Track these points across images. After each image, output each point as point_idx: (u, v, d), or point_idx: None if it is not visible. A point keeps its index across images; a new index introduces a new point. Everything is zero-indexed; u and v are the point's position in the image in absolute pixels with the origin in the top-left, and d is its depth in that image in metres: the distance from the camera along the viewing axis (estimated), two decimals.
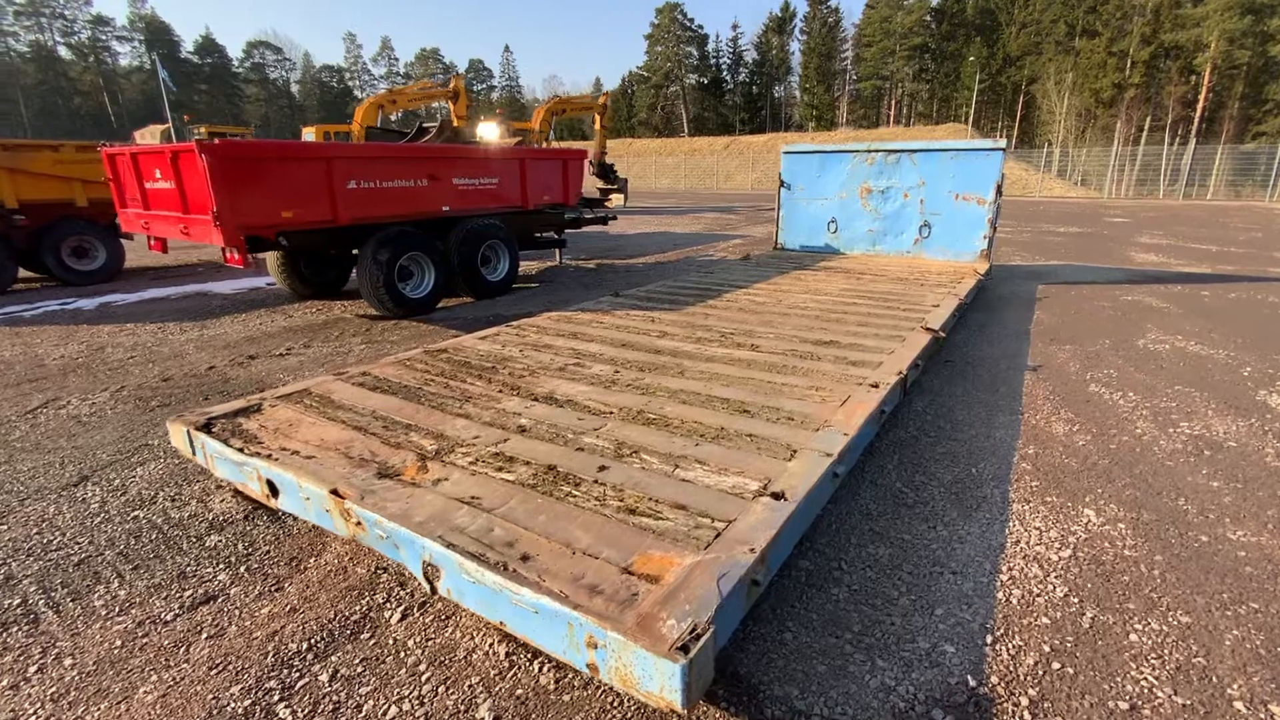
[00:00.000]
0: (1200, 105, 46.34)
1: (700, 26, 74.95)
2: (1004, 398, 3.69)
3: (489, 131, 21.21)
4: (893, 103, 66.87)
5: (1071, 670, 1.66)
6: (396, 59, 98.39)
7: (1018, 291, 7.03)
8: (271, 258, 6.57)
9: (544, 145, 21.61)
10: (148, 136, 21.99)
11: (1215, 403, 3.57)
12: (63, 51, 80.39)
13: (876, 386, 3.04)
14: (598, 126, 23.60)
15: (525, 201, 7.00)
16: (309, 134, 20.64)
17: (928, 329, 4.03)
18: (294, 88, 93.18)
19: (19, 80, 74.84)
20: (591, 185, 25.35)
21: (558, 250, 9.04)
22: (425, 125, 6.67)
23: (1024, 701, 1.57)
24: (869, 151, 7.71)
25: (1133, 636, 1.79)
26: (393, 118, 21.50)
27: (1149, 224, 16.18)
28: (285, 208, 4.87)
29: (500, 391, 3.10)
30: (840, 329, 4.20)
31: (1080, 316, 5.78)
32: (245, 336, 5.30)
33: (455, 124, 21.09)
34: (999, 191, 6.94)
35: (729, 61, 78.54)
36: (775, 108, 76.73)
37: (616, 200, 24.40)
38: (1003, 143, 6.90)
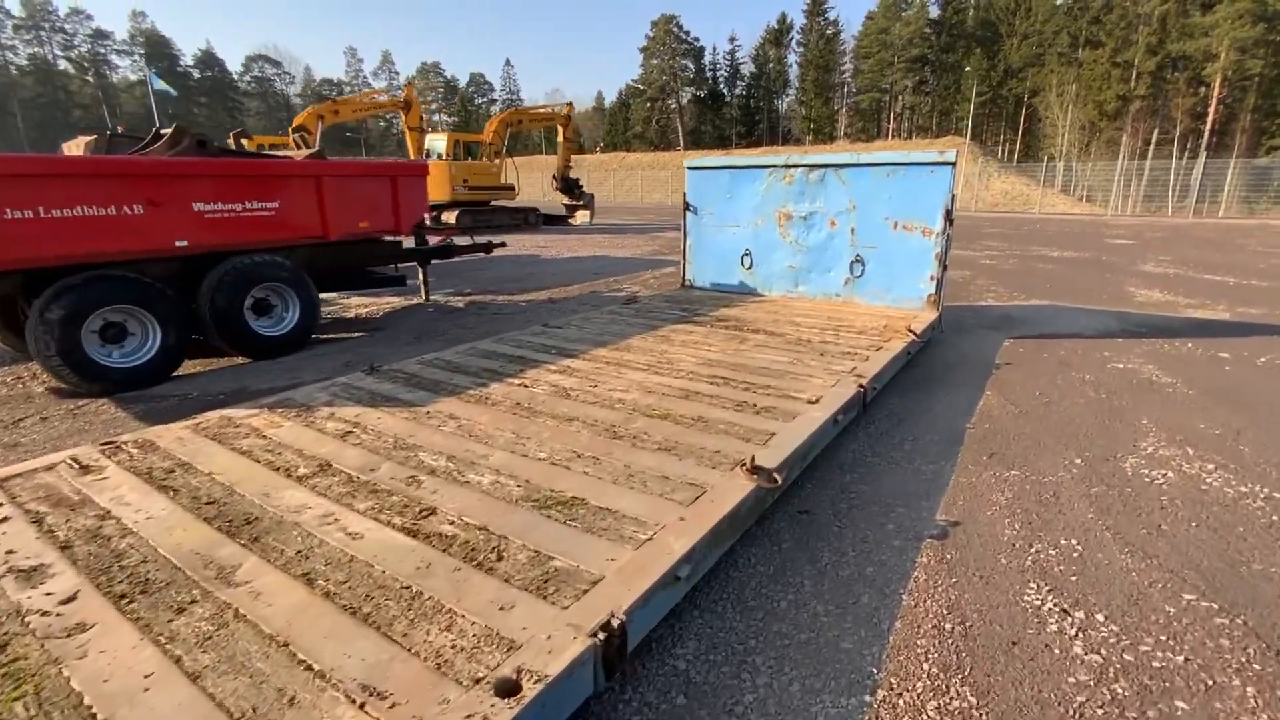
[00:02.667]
0: (1210, 118, 44.54)
1: (696, 39, 74.04)
2: (857, 629, 1.97)
3: (438, 144, 19.81)
4: (892, 115, 65.42)
5: None
6: (397, 72, 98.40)
7: (973, 352, 5.31)
8: None
9: (498, 160, 20.13)
10: (75, 148, 20.64)
11: (1263, 658, 1.85)
12: (62, 65, 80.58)
13: (514, 701, 1.36)
14: (561, 139, 22.10)
15: (326, 231, 5.37)
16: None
17: (754, 470, 2.34)
18: (295, 101, 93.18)
19: (16, 94, 74.90)
20: (557, 201, 23.89)
21: (423, 285, 7.41)
22: (161, 130, 5.08)
23: None
24: (786, 167, 6.04)
25: None
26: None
27: (1155, 246, 14.41)
28: None
29: None
30: (617, 461, 2.52)
31: (1048, 401, 4.06)
32: None
33: (418, 131, 19.59)
34: (949, 218, 5.26)
35: (726, 74, 77.48)
36: (774, 121, 75.46)
37: (581, 217, 22.88)
38: (952, 154, 5.22)
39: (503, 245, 8.11)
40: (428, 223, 16.06)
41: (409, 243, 6.98)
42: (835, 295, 6.02)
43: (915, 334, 4.58)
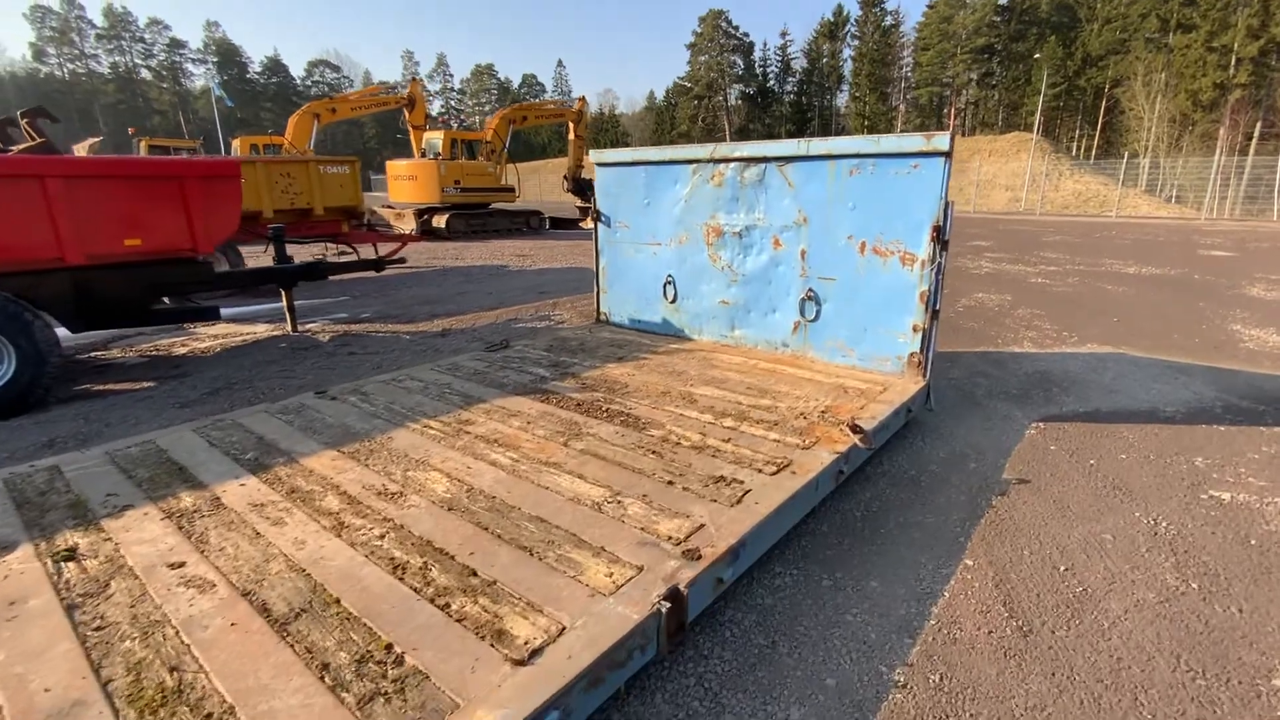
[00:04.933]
0: None
1: (746, 35, 71.47)
2: None
3: (435, 142, 18.65)
4: (952, 110, 61.20)
5: None
6: (451, 75, 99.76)
7: (969, 451, 3.39)
8: None
9: (499, 161, 18.79)
10: (83, 150, 20.64)
11: None
12: (143, 73, 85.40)
13: None
14: (572, 136, 20.58)
15: (63, 251, 3.95)
16: (236, 146, 18.62)
17: None
18: None
19: (99, 100, 79.84)
20: (570, 203, 22.42)
21: (288, 312, 5.97)
22: None
23: None
24: (712, 161, 4.25)
25: None
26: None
27: (1264, 261, 11.67)
28: None
29: None
30: None
31: (1079, 593, 2.17)
32: None
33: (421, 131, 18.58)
34: (942, 239, 3.38)
35: (777, 70, 74.56)
36: (826, 118, 72.05)
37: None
38: (944, 141, 3.32)
39: (401, 261, 6.59)
40: (370, 228, 14.80)
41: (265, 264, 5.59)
42: (782, 345, 4.20)
43: (861, 438, 2.75)
